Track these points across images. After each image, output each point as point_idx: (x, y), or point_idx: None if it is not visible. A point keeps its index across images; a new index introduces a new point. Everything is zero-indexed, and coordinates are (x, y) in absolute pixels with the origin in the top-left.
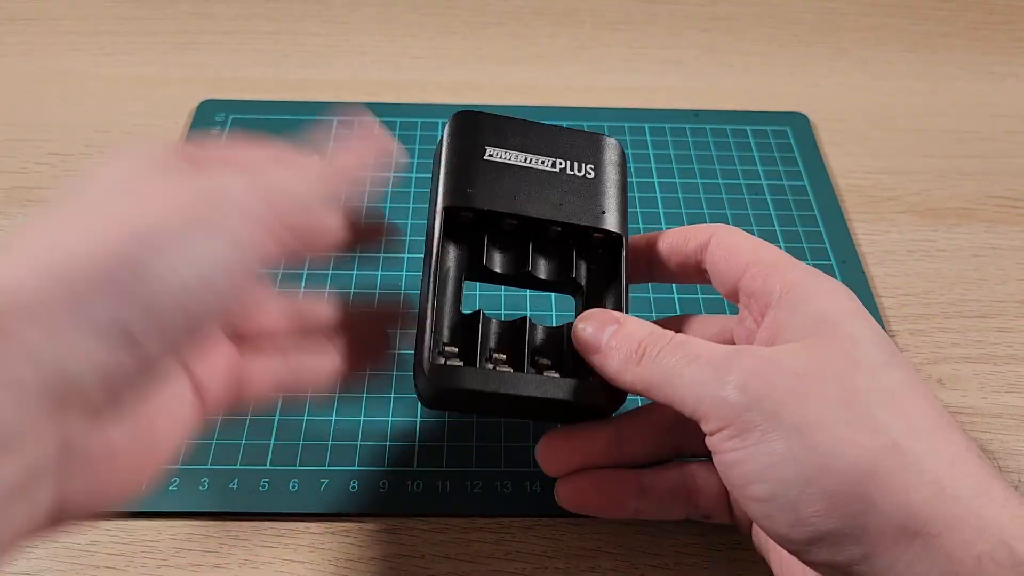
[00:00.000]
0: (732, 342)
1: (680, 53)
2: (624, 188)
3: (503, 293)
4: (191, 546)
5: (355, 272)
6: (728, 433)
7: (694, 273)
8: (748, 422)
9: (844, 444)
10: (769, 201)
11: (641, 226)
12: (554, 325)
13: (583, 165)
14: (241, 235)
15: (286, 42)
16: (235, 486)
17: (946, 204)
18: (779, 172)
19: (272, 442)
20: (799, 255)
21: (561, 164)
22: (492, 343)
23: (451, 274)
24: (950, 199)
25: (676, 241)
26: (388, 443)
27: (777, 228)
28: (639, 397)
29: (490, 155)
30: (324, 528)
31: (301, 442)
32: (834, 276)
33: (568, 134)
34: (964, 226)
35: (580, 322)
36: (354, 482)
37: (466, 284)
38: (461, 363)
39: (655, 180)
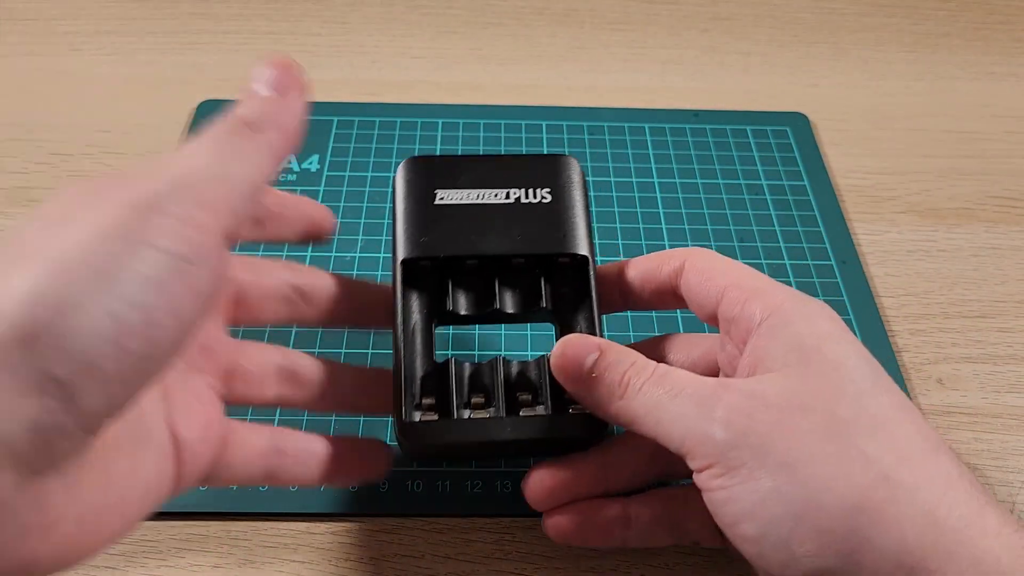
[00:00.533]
0: (716, 366)
1: (680, 53)
2: (586, 206)
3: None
4: (191, 546)
5: (357, 254)
6: (715, 471)
7: (670, 300)
8: (735, 459)
9: (833, 480)
10: (769, 201)
11: (641, 226)
12: (530, 359)
13: (538, 191)
14: (178, 246)
15: (286, 42)
16: (235, 486)
17: (946, 204)
18: (779, 172)
19: None
20: (799, 255)
21: (516, 193)
22: (467, 388)
23: (419, 325)
24: (950, 199)
25: (649, 268)
26: (388, 443)
27: (777, 228)
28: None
29: (441, 198)
30: (324, 528)
31: None
32: (834, 276)
33: (520, 161)
34: (964, 226)
35: (559, 349)
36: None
37: (438, 329)
38: (436, 417)
39: (655, 180)
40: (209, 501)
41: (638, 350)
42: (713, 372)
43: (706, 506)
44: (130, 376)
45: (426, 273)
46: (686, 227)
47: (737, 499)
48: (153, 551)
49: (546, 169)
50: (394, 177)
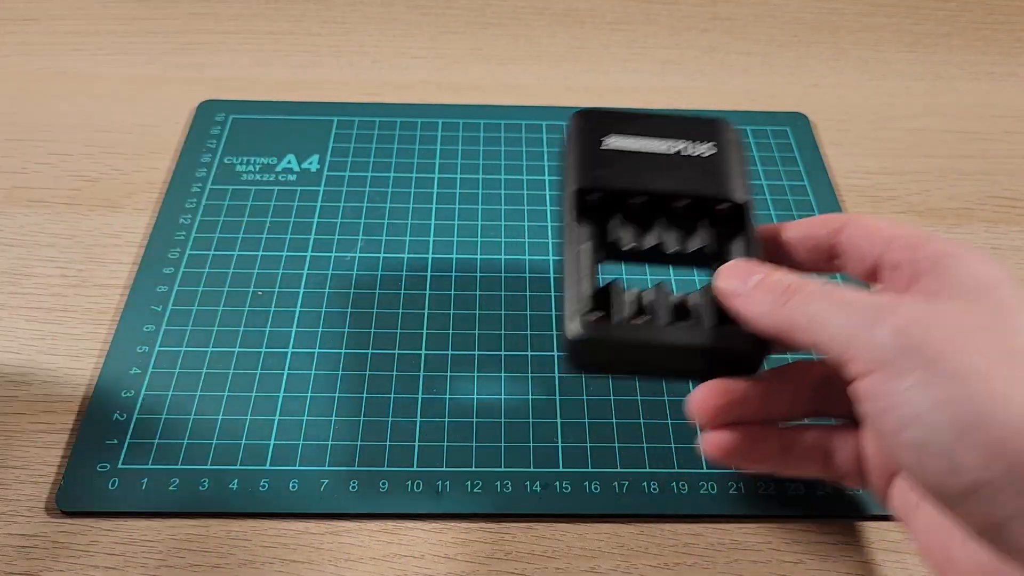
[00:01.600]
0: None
1: (680, 53)
2: (744, 162)
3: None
4: (191, 546)
5: (357, 254)
6: (881, 377)
7: (824, 259)
8: (903, 367)
9: (1008, 397)
10: (769, 201)
11: None
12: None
13: (700, 145)
14: None
15: (286, 42)
16: (235, 486)
17: (946, 204)
18: (779, 172)
19: (272, 442)
20: None
21: (680, 146)
22: (629, 306)
23: (585, 254)
24: (950, 199)
25: (809, 227)
26: (388, 443)
27: None
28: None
29: (609, 144)
30: (324, 528)
31: (301, 442)
32: (834, 276)
33: (684, 120)
34: (964, 226)
35: (723, 270)
36: (354, 482)
37: (603, 265)
38: (604, 315)
39: None
40: (209, 501)
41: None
42: None
43: (857, 444)
44: None
45: (594, 207)
46: None
47: (904, 404)
48: (153, 551)
49: (707, 129)
50: (568, 126)
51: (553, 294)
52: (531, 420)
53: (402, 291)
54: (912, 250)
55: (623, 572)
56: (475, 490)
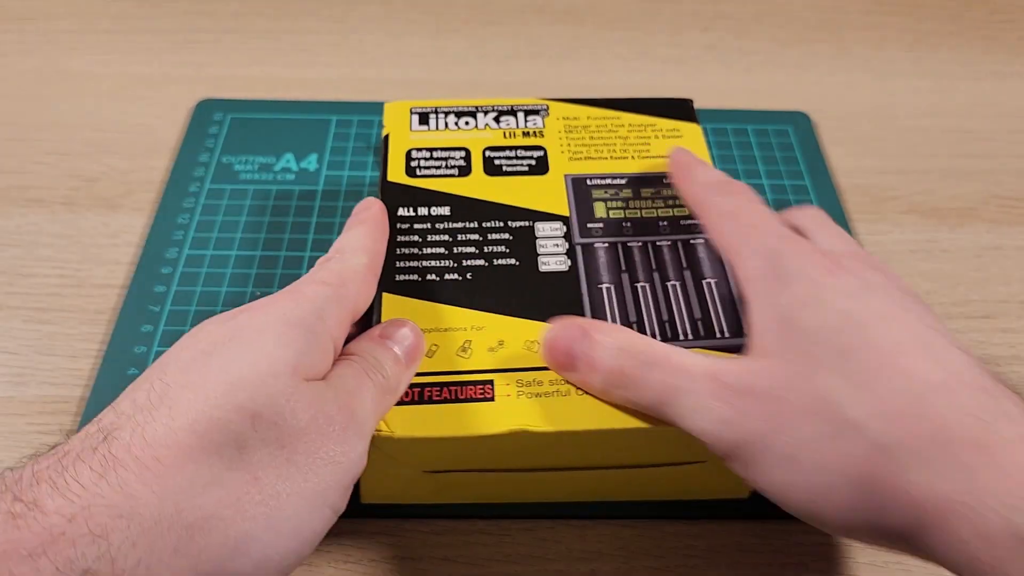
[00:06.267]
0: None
1: (681, 52)
2: None
3: None
4: None
5: None
6: (735, 465)
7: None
8: (745, 456)
9: (833, 461)
10: (770, 201)
11: None
12: None
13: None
14: (341, 506)
15: (285, 41)
16: None
17: (949, 204)
18: (781, 172)
19: None
20: None
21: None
22: None
23: None
24: (953, 199)
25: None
26: None
27: None
28: None
29: None
30: None
31: None
32: None
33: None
34: (967, 226)
35: (545, 334)
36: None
37: None
38: None
39: None
40: None
41: None
42: None
43: None
44: None
45: None
46: None
47: (762, 488)
48: None
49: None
50: None
51: None
52: None
53: None
54: (732, 265)
55: (624, 574)
56: None
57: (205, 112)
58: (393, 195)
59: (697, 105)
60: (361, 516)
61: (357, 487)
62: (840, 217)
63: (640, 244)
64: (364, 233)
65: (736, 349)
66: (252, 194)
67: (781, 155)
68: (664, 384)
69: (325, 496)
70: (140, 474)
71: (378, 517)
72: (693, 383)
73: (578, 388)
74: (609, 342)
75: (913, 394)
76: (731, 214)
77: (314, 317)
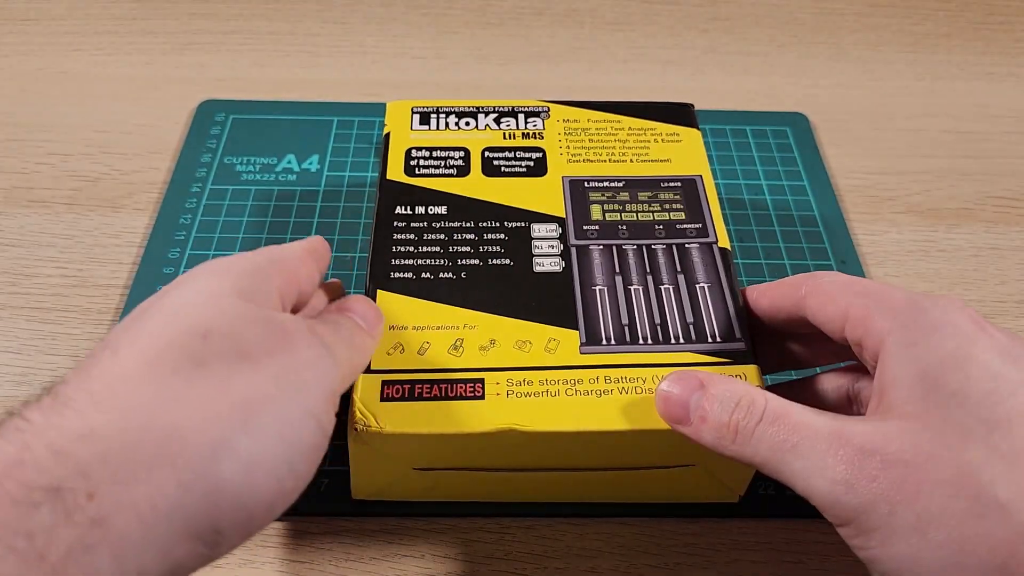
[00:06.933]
0: (847, 399)
1: (680, 53)
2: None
3: None
4: None
5: (357, 254)
6: (850, 531)
7: (802, 326)
8: (866, 523)
9: (970, 540)
10: (769, 201)
11: None
12: None
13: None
14: (330, 420)
15: (286, 42)
16: None
17: (946, 204)
18: (779, 172)
19: None
20: (798, 256)
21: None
22: None
23: None
24: (950, 199)
25: (774, 299)
26: None
27: (777, 228)
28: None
29: None
30: (324, 528)
31: None
32: None
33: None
34: (964, 226)
35: (666, 380)
36: None
37: None
38: None
39: None
40: None
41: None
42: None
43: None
44: (263, 526)
45: None
46: None
47: (877, 560)
48: None
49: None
50: None
51: None
52: None
53: None
54: (864, 326)
55: (623, 572)
56: None
57: (207, 113)
58: (391, 193)
59: (696, 106)
60: (362, 515)
61: (348, 486)
62: (838, 218)
63: (635, 247)
64: (304, 241)
65: (726, 354)
66: (254, 194)
67: (779, 156)
68: (780, 441)
69: (304, 404)
70: (97, 404)
71: (379, 516)
72: (814, 441)
73: (689, 440)
74: (725, 395)
75: None
76: (843, 283)
77: (250, 264)
